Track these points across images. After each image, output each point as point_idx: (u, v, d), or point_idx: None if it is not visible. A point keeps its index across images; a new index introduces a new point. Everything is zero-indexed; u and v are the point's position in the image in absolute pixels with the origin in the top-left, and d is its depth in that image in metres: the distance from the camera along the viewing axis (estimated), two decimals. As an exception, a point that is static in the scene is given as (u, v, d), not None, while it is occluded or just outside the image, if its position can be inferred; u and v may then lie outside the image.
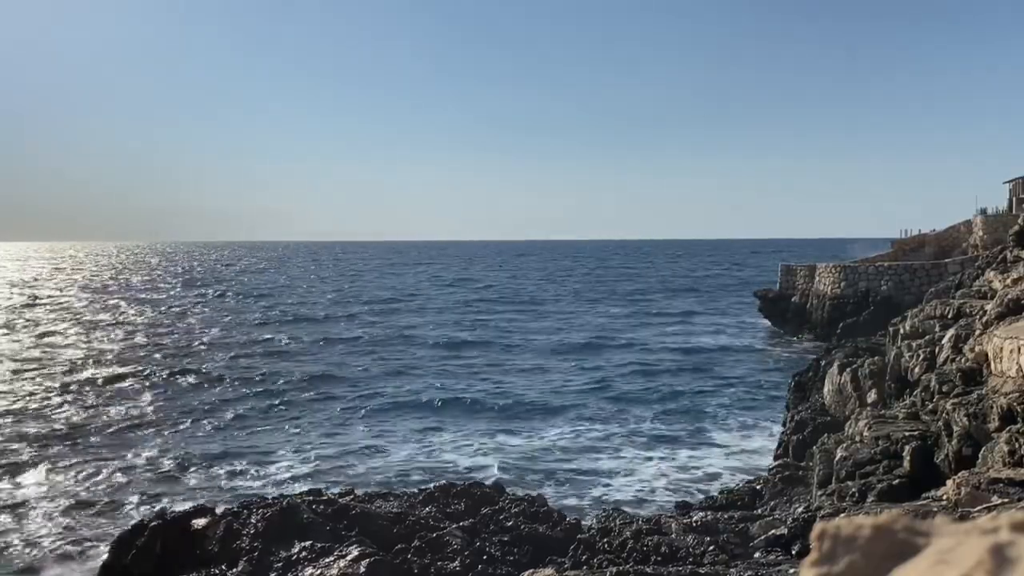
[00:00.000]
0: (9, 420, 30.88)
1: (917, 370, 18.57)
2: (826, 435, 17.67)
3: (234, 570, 12.91)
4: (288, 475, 24.25)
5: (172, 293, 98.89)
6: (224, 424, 30.55)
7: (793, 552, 10.69)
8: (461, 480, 18.43)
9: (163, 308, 77.54)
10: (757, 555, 10.82)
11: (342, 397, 35.59)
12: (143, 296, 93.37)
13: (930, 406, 15.34)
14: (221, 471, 24.73)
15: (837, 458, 14.54)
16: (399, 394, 36.18)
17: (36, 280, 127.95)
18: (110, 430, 29.43)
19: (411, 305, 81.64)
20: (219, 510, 15.09)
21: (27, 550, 18.64)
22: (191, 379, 39.46)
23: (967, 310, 20.57)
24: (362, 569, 11.91)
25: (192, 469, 24.94)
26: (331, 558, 12.36)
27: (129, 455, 26.24)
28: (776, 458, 20.83)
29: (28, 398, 34.88)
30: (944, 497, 10.56)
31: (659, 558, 11.00)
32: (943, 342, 18.26)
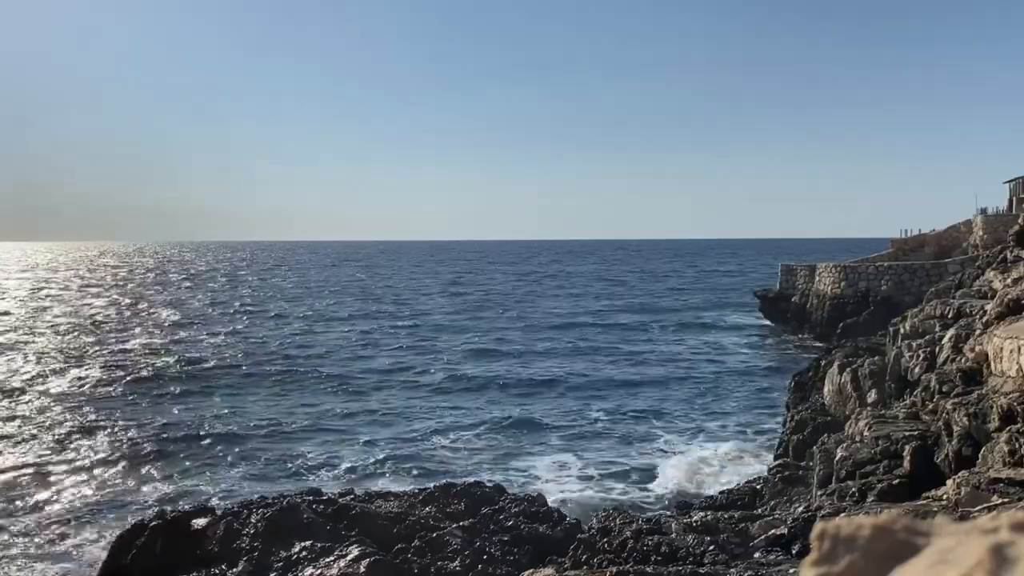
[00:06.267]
0: (7, 421, 30.88)
1: (917, 370, 18.57)
2: (826, 435, 17.66)
3: (234, 570, 12.91)
4: (288, 475, 24.25)
5: (172, 293, 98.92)
6: (224, 424, 30.52)
7: (793, 552, 10.69)
8: (462, 480, 18.45)
9: (162, 309, 77.54)
10: (757, 555, 10.82)
11: (342, 397, 35.58)
12: (147, 296, 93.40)
13: (930, 406, 15.33)
14: (222, 471, 24.73)
15: (837, 458, 14.53)
16: (416, 394, 36.20)
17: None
18: (108, 431, 29.42)
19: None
20: (219, 510, 15.10)
21: (27, 550, 18.64)
22: (191, 380, 39.45)
23: (967, 310, 20.56)
24: (362, 569, 11.92)
25: (192, 469, 24.93)
26: (331, 558, 12.37)
27: (128, 455, 26.22)
28: (776, 458, 20.82)
29: (25, 400, 34.88)
30: (944, 497, 10.56)
31: (659, 558, 11.00)
32: (943, 342, 18.25)
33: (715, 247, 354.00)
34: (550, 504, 16.36)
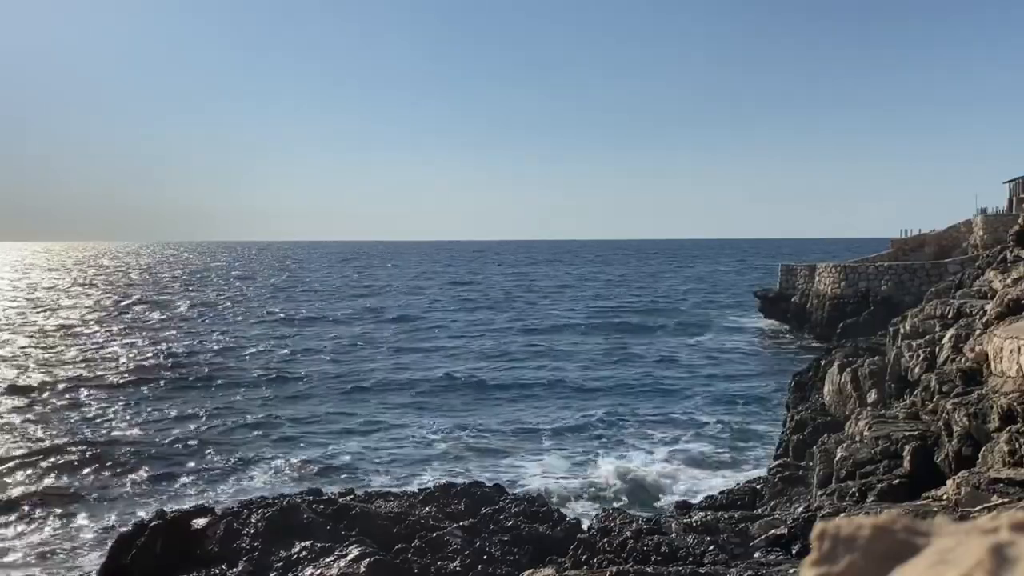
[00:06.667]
0: (7, 421, 30.88)
1: (917, 370, 18.56)
2: (826, 435, 17.66)
3: (234, 570, 12.91)
4: (288, 475, 24.25)
5: (169, 293, 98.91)
6: (224, 424, 30.54)
7: (793, 552, 10.69)
8: (462, 480, 18.45)
9: (156, 310, 77.54)
10: (757, 555, 10.82)
11: (339, 396, 35.58)
12: (139, 296, 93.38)
13: (930, 406, 15.33)
14: (221, 471, 24.72)
15: (837, 458, 14.53)
16: (416, 393, 36.18)
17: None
18: (109, 430, 29.43)
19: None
20: (219, 510, 15.10)
21: (27, 550, 18.64)
22: (189, 380, 39.46)
23: (967, 310, 20.56)
24: (362, 569, 11.92)
25: (192, 469, 24.93)
26: (331, 558, 12.37)
27: (127, 456, 26.23)
28: (776, 458, 20.81)
29: (20, 400, 34.88)
30: (944, 497, 10.56)
31: (659, 558, 10.99)
32: (943, 342, 18.25)
33: (715, 247, 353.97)
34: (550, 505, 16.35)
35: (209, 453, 26.53)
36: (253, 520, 13.59)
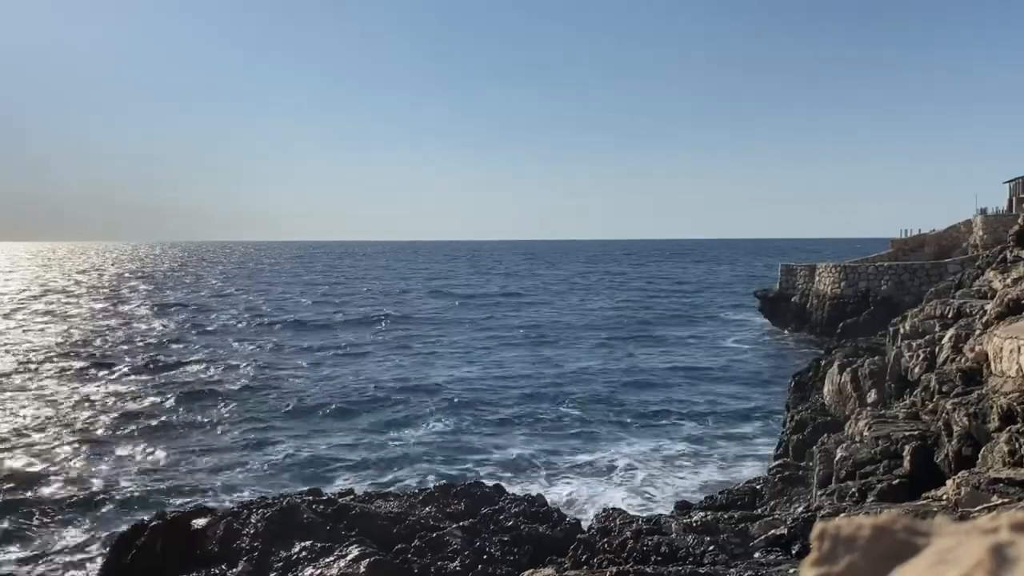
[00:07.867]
0: (8, 421, 30.88)
1: (917, 370, 18.57)
2: (826, 435, 17.66)
3: (234, 570, 12.91)
4: (288, 475, 24.25)
5: (169, 292, 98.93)
6: (224, 424, 30.53)
7: (793, 552, 10.69)
8: (462, 480, 18.46)
9: (149, 309, 77.53)
10: (757, 555, 10.82)
11: (342, 397, 35.57)
12: (147, 297, 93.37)
13: (930, 406, 15.34)
14: (221, 471, 24.72)
15: (837, 458, 14.53)
16: (414, 395, 36.18)
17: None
18: (109, 430, 29.42)
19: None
20: (219, 510, 15.09)
21: (27, 551, 18.63)
22: (190, 380, 39.47)
23: (967, 310, 20.57)
24: (362, 569, 11.92)
25: (192, 469, 24.92)
26: (331, 558, 12.37)
27: (129, 455, 26.24)
28: (776, 458, 20.81)
29: (17, 400, 34.87)
30: (944, 497, 10.56)
31: (659, 558, 10.99)
32: (943, 342, 18.26)
33: (715, 247, 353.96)
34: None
35: (209, 454, 26.51)
36: (253, 520, 13.59)
